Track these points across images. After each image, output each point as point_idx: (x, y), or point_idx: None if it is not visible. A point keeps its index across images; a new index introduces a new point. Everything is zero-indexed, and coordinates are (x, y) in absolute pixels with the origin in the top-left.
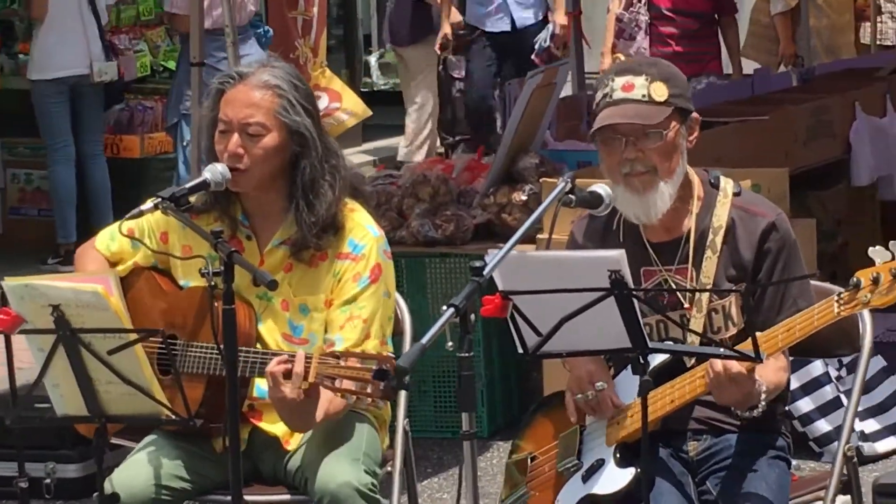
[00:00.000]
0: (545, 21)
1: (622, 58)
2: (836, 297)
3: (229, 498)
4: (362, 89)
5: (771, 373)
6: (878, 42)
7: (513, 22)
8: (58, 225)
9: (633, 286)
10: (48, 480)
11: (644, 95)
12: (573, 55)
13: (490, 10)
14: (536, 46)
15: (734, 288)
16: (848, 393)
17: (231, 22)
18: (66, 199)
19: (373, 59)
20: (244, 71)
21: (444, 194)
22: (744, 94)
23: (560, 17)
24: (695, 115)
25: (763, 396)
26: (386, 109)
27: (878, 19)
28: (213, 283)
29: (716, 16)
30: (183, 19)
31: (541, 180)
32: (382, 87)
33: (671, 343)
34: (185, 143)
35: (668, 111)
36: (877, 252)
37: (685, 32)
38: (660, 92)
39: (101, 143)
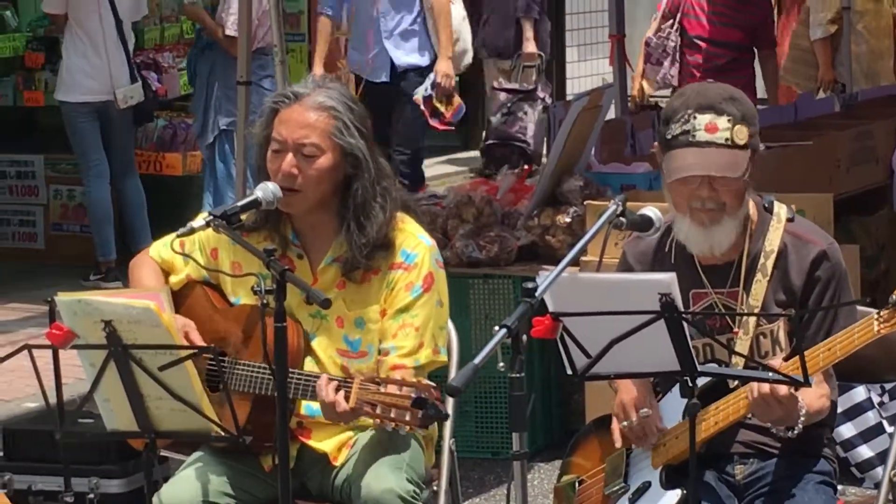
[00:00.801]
0: (431, 66)
1: (646, 85)
2: (875, 316)
3: None
4: None
5: (814, 398)
6: None
7: (392, 69)
8: (96, 242)
9: (683, 309)
10: (91, 496)
11: (727, 139)
12: (617, 79)
13: (369, 58)
14: (417, 98)
15: (783, 312)
16: (891, 419)
17: (280, 41)
18: (103, 217)
19: None
20: (300, 91)
21: (488, 215)
22: (787, 119)
23: (443, 66)
24: (761, 147)
25: (802, 418)
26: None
27: None
28: (265, 302)
29: (753, 48)
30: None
31: (585, 203)
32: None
33: (718, 366)
34: (233, 159)
35: (748, 154)
36: None
37: (713, 64)
38: (741, 136)
39: (132, 162)
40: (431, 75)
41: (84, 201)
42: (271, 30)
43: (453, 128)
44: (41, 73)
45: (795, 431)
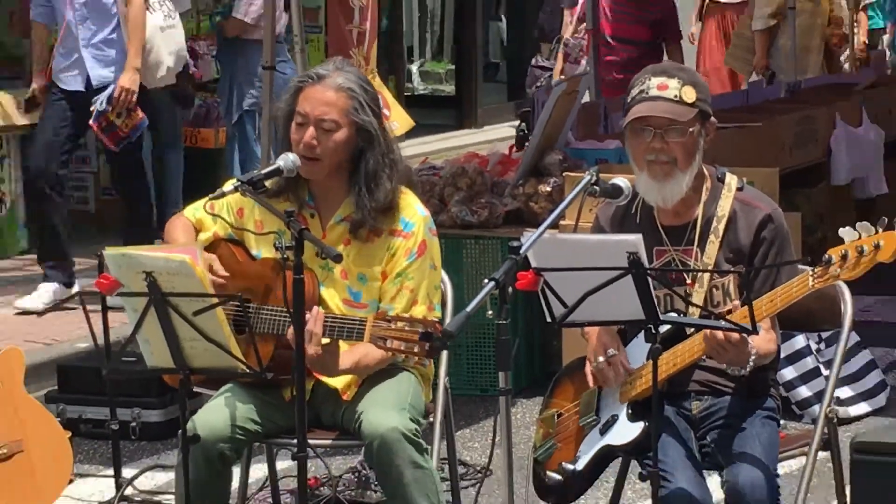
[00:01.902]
0: None
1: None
2: (810, 272)
3: (295, 440)
4: (405, 94)
5: (762, 342)
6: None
7: (88, 80)
8: None
9: (647, 265)
10: (134, 424)
11: (676, 96)
12: (592, 67)
13: (67, 64)
14: (93, 109)
15: (735, 269)
16: (826, 364)
17: (301, 32)
18: None
19: (414, 68)
20: (321, 73)
21: (479, 184)
22: (739, 103)
23: (123, 79)
24: (713, 119)
25: (752, 358)
26: (425, 111)
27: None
28: (285, 256)
29: (660, 42)
30: (241, 25)
31: (563, 174)
32: (422, 92)
33: (677, 315)
34: (255, 135)
35: (694, 112)
36: (846, 232)
37: (627, 60)
38: (689, 95)
39: (178, 137)
40: (109, 88)
41: None
42: (282, 20)
43: (124, 143)
44: None
45: (746, 370)
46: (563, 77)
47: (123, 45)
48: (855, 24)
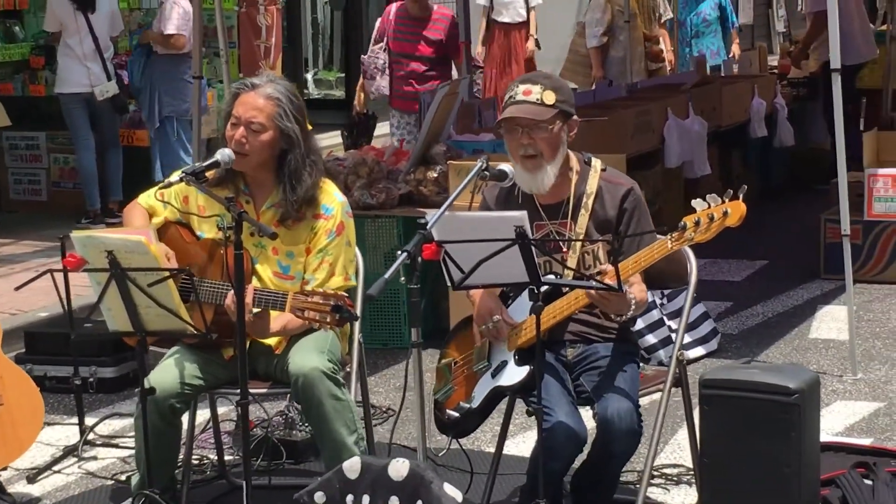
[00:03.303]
0: None
1: (363, 96)
2: (669, 236)
3: (237, 390)
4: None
5: (638, 291)
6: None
7: None
8: (85, 195)
9: (531, 237)
10: (91, 379)
11: (538, 99)
12: (467, 73)
13: None
14: None
15: (603, 238)
16: (669, 315)
17: (225, 47)
18: (89, 178)
19: (310, 76)
20: (256, 82)
21: (377, 172)
22: (588, 101)
23: None
24: (575, 117)
25: (633, 306)
26: (319, 112)
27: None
28: (227, 235)
29: (446, 57)
30: (179, 39)
31: (448, 162)
32: (316, 97)
33: (555, 277)
34: (175, 137)
35: (554, 112)
36: (697, 203)
37: (415, 73)
38: (549, 98)
39: (116, 138)
40: None
41: (76, 166)
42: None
43: None
44: (42, 72)
45: (627, 317)
46: (362, 91)
47: None
48: (661, 37)
